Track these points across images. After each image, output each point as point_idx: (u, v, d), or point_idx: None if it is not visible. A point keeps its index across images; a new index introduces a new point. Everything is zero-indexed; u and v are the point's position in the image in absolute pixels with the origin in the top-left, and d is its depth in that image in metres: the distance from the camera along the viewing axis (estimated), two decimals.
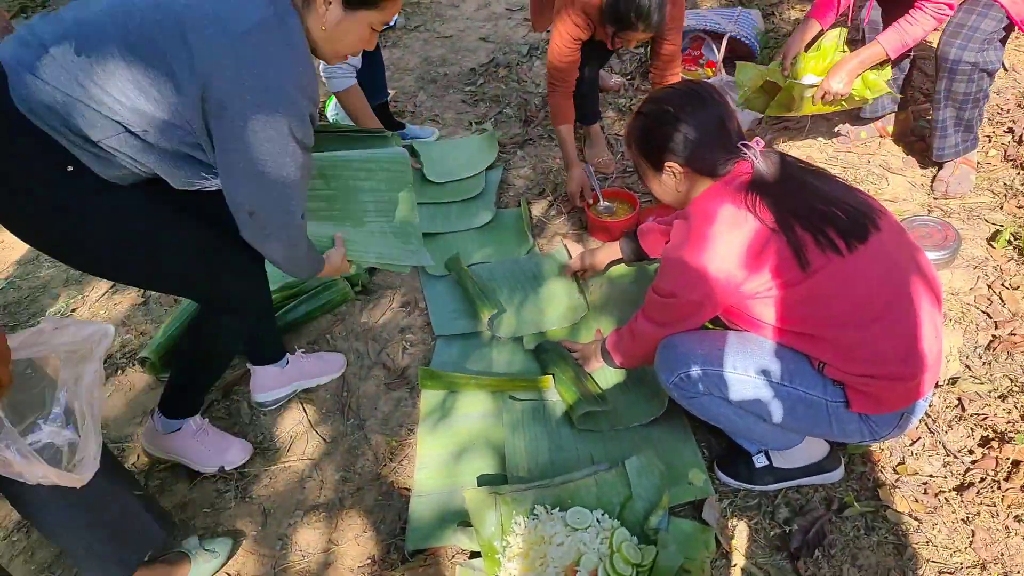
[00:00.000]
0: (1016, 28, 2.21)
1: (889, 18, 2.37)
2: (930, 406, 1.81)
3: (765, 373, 1.48)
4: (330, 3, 1.36)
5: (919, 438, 1.75)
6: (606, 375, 2.00)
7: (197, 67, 1.25)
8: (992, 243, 2.25)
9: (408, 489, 1.78)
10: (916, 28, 2.22)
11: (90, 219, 1.38)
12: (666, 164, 1.52)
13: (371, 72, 2.85)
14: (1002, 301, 2.07)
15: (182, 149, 1.36)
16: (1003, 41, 2.27)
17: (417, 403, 2.01)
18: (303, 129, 1.36)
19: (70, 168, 1.31)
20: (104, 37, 1.26)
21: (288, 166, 1.37)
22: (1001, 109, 2.80)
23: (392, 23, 4.21)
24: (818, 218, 1.38)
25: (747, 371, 1.49)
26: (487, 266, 2.46)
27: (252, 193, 1.38)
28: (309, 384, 2.08)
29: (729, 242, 1.39)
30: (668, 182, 1.56)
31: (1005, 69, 3.03)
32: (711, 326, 1.64)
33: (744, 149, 1.46)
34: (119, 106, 1.27)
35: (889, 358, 1.40)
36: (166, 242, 1.49)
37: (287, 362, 2.03)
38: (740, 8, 3.41)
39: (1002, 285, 2.11)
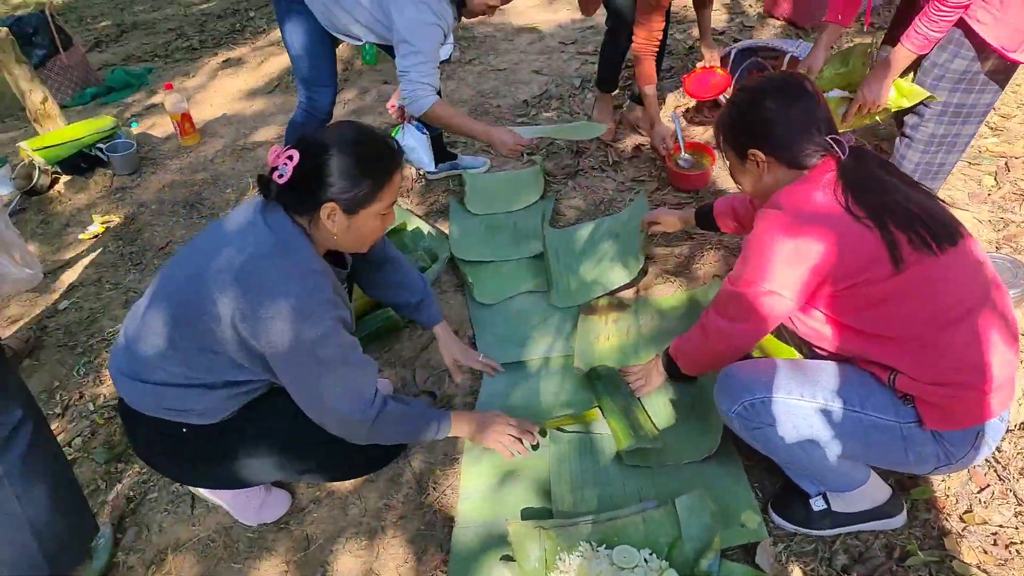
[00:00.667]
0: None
1: (901, 18, 2.29)
2: (999, 452, 1.72)
3: (834, 399, 1.43)
4: (332, 215, 1.44)
5: (988, 485, 1.66)
6: (657, 409, 1.95)
7: (223, 316, 1.41)
8: None
9: (451, 519, 1.76)
10: (935, 25, 2.01)
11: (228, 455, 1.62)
12: (750, 152, 1.51)
13: None
14: None
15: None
16: (997, 78, 2.09)
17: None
18: (336, 337, 1.46)
19: (184, 430, 1.54)
20: (161, 322, 1.48)
21: (331, 382, 1.49)
22: None
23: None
24: (910, 217, 1.35)
25: (815, 398, 1.43)
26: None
27: (318, 412, 1.54)
28: None
29: (817, 235, 1.36)
30: (752, 171, 1.55)
31: None
32: (775, 341, 1.58)
33: (832, 143, 1.44)
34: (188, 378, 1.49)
35: (965, 364, 1.34)
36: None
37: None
38: (800, 40, 3.39)
39: None
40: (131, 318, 1.55)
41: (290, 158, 1.41)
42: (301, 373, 1.46)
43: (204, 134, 3.89)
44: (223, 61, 4.88)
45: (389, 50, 2.57)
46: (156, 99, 4.39)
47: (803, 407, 1.44)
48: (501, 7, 2.46)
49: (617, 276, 2.39)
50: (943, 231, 1.36)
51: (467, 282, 2.50)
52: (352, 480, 1.89)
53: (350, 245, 1.56)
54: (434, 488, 1.85)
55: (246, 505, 1.80)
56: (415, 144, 2.70)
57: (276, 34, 5.24)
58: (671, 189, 2.87)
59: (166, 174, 3.53)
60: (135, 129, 3.97)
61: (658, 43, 2.83)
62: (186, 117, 3.71)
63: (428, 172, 3.17)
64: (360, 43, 2.58)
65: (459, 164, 3.17)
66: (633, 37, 2.82)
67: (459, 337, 2.31)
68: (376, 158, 1.47)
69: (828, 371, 1.46)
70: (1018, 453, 1.72)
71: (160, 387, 1.49)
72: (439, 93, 2.44)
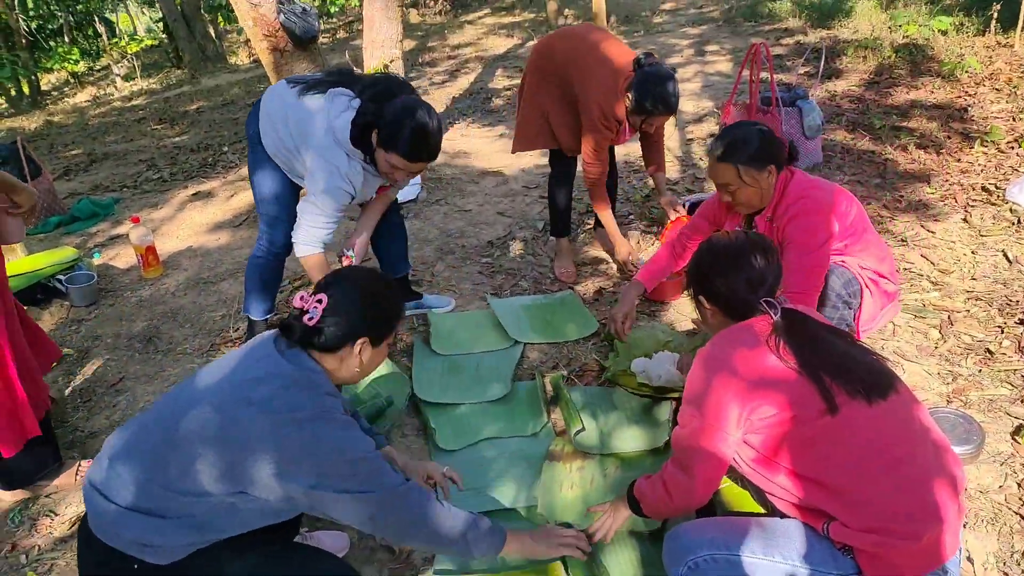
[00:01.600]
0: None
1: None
2: None
3: (772, 553, 1.47)
4: (364, 348, 1.59)
5: None
6: (622, 566, 1.90)
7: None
8: (1016, 438, 2.20)
9: None
10: None
11: None
12: (699, 297, 1.75)
13: (394, 245, 2.98)
14: None
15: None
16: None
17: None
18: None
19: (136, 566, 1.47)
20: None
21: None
22: (1010, 300, 2.84)
23: (414, 196, 4.43)
24: (840, 367, 1.48)
25: (754, 553, 1.47)
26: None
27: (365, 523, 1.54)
28: None
29: (744, 383, 1.49)
30: (703, 313, 1.78)
31: (1010, 261, 3.11)
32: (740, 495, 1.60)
33: (766, 306, 1.60)
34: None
35: (899, 514, 1.39)
36: None
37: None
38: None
39: None
40: (119, 434, 1.56)
41: (320, 301, 1.53)
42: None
43: (168, 266, 3.88)
44: (192, 194, 4.96)
45: None
46: (121, 229, 4.40)
47: (746, 562, 1.48)
48: (407, 175, 2.53)
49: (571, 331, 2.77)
50: (875, 382, 1.48)
51: (429, 427, 2.47)
52: None
53: (357, 377, 1.66)
54: None
55: None
56: None
57: (246, 170, 5.37)
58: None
59: (124, 307, 3.48)
60: (97, 260, 3.95)
61: (606, 171, 3.15)
62: (150, 250, 3.72)
63: None
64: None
65: (423, 303, 3.21)
66: (584, 168, 3.13)
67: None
68: (390, 296, 1.68)
69: (766, 526, 1.52)
70: None
71: (125, 511, 1.45)
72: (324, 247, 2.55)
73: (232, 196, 4.86)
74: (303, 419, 1.43)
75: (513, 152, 3.38)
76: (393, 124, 2.36)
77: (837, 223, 2.30)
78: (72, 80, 10.63)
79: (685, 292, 1.99)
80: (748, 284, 1.65)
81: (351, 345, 1.56)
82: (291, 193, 2.72)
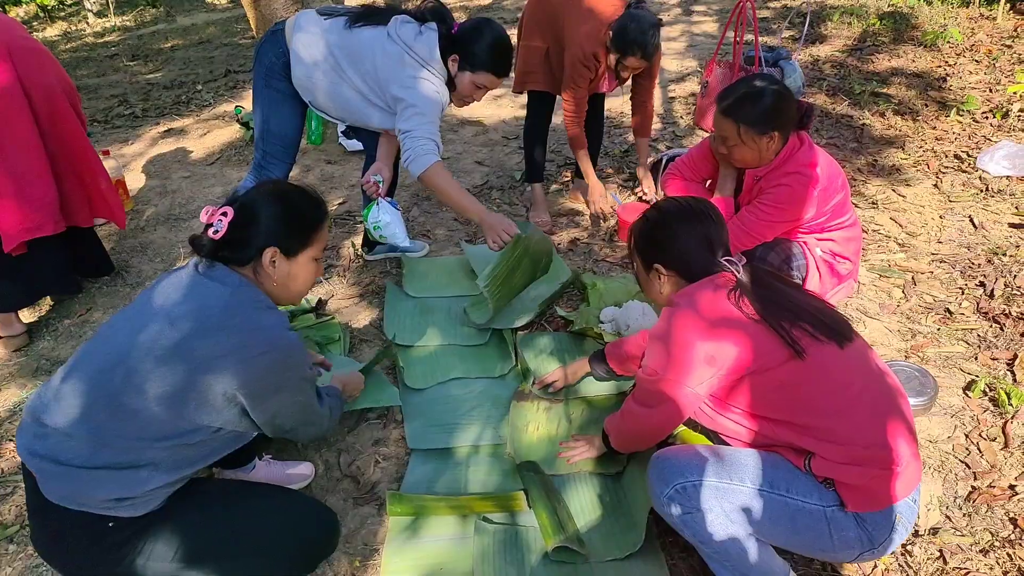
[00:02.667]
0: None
1: None
2: (911, 555, 1.77)
3: (763, 482, 1.49)
4: (274, 261, 1.53)
5: None
6: (583, 504, 1.95)
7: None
8: (968, 393, 2.27)
9: None
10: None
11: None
12: (654, 266, 1.68)
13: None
14: (980, 452, 2.06)
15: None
16: None
17: (385, 521, 1.93)
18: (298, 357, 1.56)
19: (111, 524, 1.43)
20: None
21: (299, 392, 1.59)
22: (972, 264, 2.91)
23: None
24: (805, 315, 1.50)
25: (743, 482, 1.49)
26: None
27: (288, 422, 1.60)
28: None
29: (709, 325, 1.49)
30: (654, 282, 1.71)
31: (975, 226, 3.17)
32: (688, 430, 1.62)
33: (727, 264, 1.59)
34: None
35: (871, 442, 1.44)
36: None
37: (253, 467, 1.99)
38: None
39: (979, 436, 2.12)
40: (50, 392, 1.45)
41: (224, 214, 1.48)
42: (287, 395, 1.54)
43: (138, 201, 3.82)
44: (165, 131, 4.86)
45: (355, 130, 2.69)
46: None
47: (733, 491, 1.49)
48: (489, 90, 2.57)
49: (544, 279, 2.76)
50: (841, 328, 1.52)
51: (398, 365, 2.48)
52: None
53: (288, 295, 1.62)
54: None
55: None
56: (390, 219, 2.70)
57: (222, 108, 5.27)
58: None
59: None
60: None
61: (582, 111, 3.13)
62: (120, 184, 3.65)
63: (366, 255, 3.18)
64: (335, 119, 2.65)
65: (398, 247, 3.20)
66: (563, 107, 3.16)
67: (388, 421, 2.28)
68: (306, 205, 1.61)
69: (754, 457, 1.53)
70: (928, 558, 1.77)
71: (91, 471, 1.38)
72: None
73: (205, 134, 4.77)
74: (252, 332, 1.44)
75: (515, 92, 3.40)
76: (476, 45, 2.40)
77: (815, 208, 2.29)
78: (42, 14, 10.26)
79: (632, 268, 1.92)
80: (707, 243, 1.63)
81: (259, 257, 1.51)
82: (299, 133, 2.68)
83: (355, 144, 4.30)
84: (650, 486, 1.59)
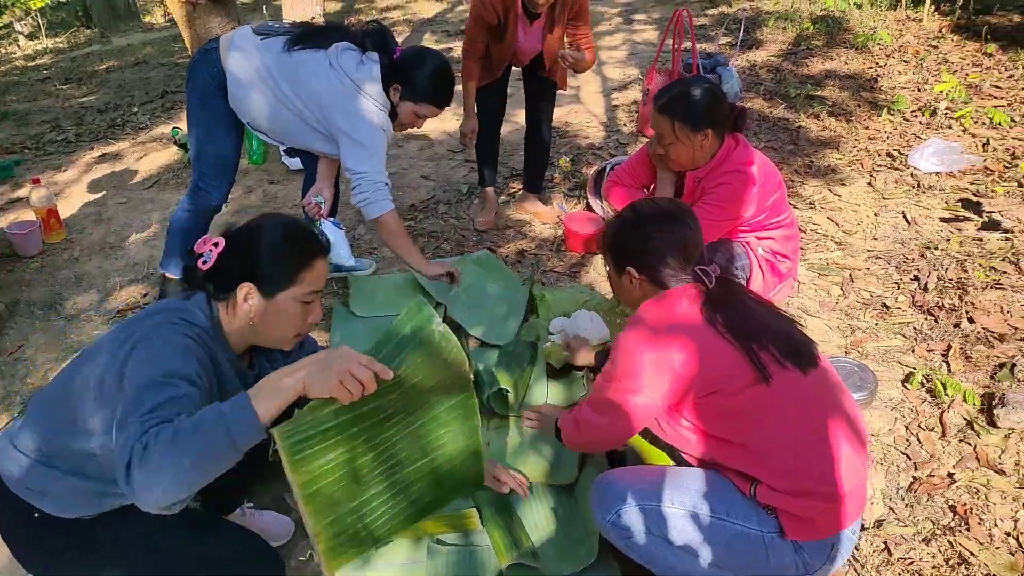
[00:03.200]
0: None
1: None
2: (857, 550, 1.80)
3: (702, 506, 1.48)
4: (249, 296, 1.42)
5: None
6: (537, 518, 1.93)
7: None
8: (906, 385, 2.33)
9: None
10: None
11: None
12: (627, 268, 1.64)
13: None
14: (919, 442, 2.12)
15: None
16: None
17: None
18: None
19: (36, 515, 1.43)
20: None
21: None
22: (907, 259, 2.99)
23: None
24: (771, 337, 1.47)
25: (684, 505, 1.48)
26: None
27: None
28: None
29: (680, 345, 1.45)
30: (625, 284, 1.66)
31: (908, 222, 3.27)
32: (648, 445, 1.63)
33: (700, 273, 1.57)
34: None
35: (822, 476, 1.42)
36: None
37: (226, 512, 1.91)
38: None
39: (918, 427, 2.17)
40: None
41: (216, 244, 1.44)
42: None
43: (72, 230, 3.70)
44: (99, 156, 4.72)
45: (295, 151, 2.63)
46: (22, 192, 4.16)
47: (673, 514, 1.48)
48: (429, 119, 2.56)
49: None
50: (805, 353, 1.49)
51: None
52: None
53: (267, 338, 1.49)
54: None
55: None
56: (333, 239, 2.63)
57: (159, 130, 5.15)
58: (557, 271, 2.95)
59: (24, 272, 3.31)
60: None
61: (477, 50, 3.07)
62: (52, 213, 3.53)
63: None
64: (275, 141, 2.61)
65: (344, 266, 3.16)
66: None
67: None
68: (296, 240, 1.47)
69: (696, 479, 1.52)
70: (873, 551, 1.81)
71: (24, 457, 1.43)
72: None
73: (142, 158, 4.65)
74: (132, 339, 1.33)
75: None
76: (417, 75, 2.39)
77: (755, 206, 2.34)
78: None
79: (604, 267, 1.90)
80: (682, 249, 1.60)
81: (234, 292, 1.43)
82: (238, 153, 2.63)
83: (298, 163, 4.24)
84: (594, 510, 1.59)
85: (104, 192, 4.18)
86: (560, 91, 3.40)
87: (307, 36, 2.43)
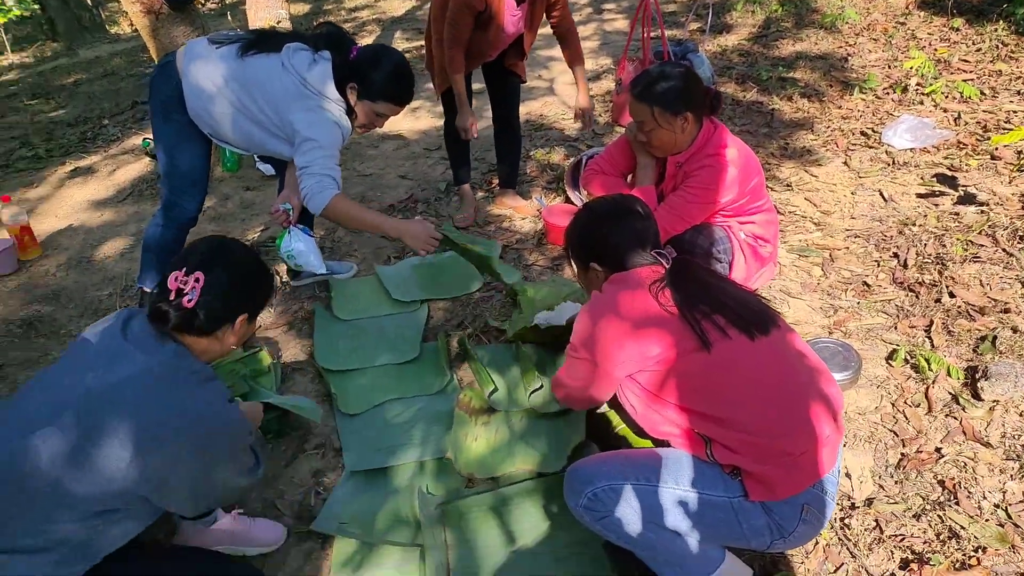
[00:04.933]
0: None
1: None
2: (849, 528, 1.81)
3: (666, 479, 1.53)
4: (243, 324, 1.57)
5: (843, 563, 1.74)
6: (531, 514, 1.94)
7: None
8: (891, 362, 2.35)
9: None
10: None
11: None
12: (591, 264, 1.75)
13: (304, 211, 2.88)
14: (906, 419, 2.13)
15: None
16: None
17: (329, 554, 1.88)
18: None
19: None
20: None
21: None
22: (885, 236, 3.01)
23: None
24: (720, 307, 1.54)
25: (649, 481, 1.53)
26: None
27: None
28: (236, 552, 1.87)
29: (625, 315, 1.55)
30: (592, 278, 1.77)
31: (885, 199, 3.29)
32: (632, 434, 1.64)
33: (657, 256, 1.67)
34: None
35: (775, 432, 1.47)
36: None
37: (214, 520, 1.86)
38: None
39: (904, 403, 2.19)
40: None
41: (197, 280, 1.45)
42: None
43: (47, 247, 3.65)
44: (71, 170, 4.66)
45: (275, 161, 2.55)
46: None
47: (640, 491, 1.52)
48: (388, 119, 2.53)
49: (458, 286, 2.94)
50: (757, 320, 1.55)
51: (331, 392, 2.43)
52: None
53: (227, 353, 1.64)
54: None
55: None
56: (304, 247, 2.61)
57: (130, 142, 5.09)
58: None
59: (1, 291, 3.26)
60: None
61: (460, 39, 2.94)
62: (25, 230, 3.48)
63: (292, 281, 3.11)
64: (240, 150, 2.57)
65: (317, 272, 3.13)
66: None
67: (326, 451, 2.23)
68: (266, 269, 1.64)
69: (660, 454, 1.58)
70: (865, 529, 1.82)
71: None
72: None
73: (115, 171, 4.59)
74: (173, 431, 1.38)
75: (437, 92, 3.27)
76: (374, 74, 2.35)
77: (737, 189, 2.35)
78: None
79: (569, 265, 2.04)
80: (637, 239, 1.71)
81: (231, 323, 1.53)
82: (207, 163, 2.58)
83: (272, 168, 4.21)
84: (566, 498, 1.63)
85: (78, 207, 4.12)
86: (523, 83, 3.38)
87: (259, 41, 2.40)
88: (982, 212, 3.05)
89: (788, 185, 3.53)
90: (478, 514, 1.95)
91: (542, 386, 2.33)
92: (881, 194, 3.34)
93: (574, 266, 1.85)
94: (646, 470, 1.55)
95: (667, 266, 1.65)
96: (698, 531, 1.52)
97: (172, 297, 1.45)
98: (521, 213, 3.59)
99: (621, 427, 2.09)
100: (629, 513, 1.51)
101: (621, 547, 1.61)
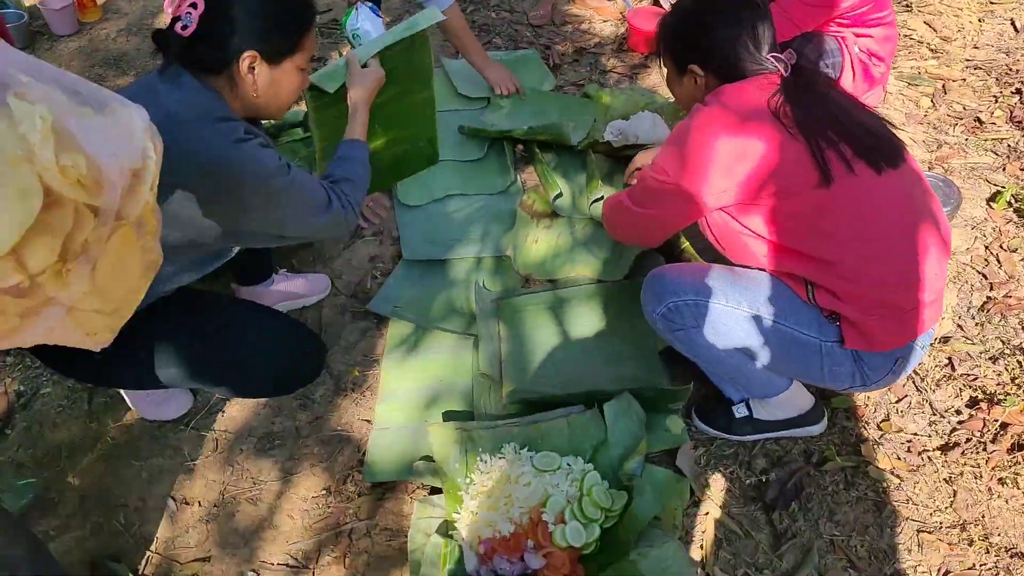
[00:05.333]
0: None
1: None
2: (920, 363, 1.74)
3: (758, 308, 1.39)
4: (254, 68, 1.30)
5: (906, 395, 1.69)
6: (590, 315, 1.91)
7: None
8: (992, 204, 2.17)
9: (369, 421, 1.69)
10: None
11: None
12: (689, 67, 1.44)
13: None
14: (999, 263, 1.99)
15: None
16: None
17: (384, 334, 1.90)
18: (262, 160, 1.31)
19: None
20: None
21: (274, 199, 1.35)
22: (1010, 69, 2.70)
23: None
24: (846, 134, 1.28)
25: (739, 305, 1.39)
26: None
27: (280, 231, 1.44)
28: (294, 305, 1.97)
29: (738, 137, 1.29)
30: (688, 87, 1.47)
31: (1016, 30, 2.92)
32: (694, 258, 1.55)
33: (775, 61, 1.36)
34: None
35: (889, 285, 1.31)
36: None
37: (272, 282, 1.94)
38: None
39: (1000, 247, 2.04)
40: None
41: (193, 6, 1.22)
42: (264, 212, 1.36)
43: (107, 10, 3.52)
44: None
45: None
46: None
47: (728, 312, 1.40)
48: None
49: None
50: (886, 151, 1.31)
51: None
52: None
53: (269, 109, 1.40)
54: (352, 390, 1.77)
55: (145, 398, 1.68)
56: (371, 28, 2.33)
57: None
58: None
59: (61, 53, 3.19)
60: None
61: None
62: None
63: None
64: None
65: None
66: None
67: (384, 237, 2.20)
68: (292, 2, 1.33)
69: (757, 280, 1.42)
70: (936, 366, 1.75)
71: None
72: None
73: None
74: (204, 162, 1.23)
75: None
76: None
77: None
78: None
79: (660, 68, 1.69)
80: (752, 36, 1.38)
81: (236, 62, 1.28)
82: None
83: None
84: (644, 302, 1.51)
85: None
86: None
87: None
88: None
89: (907, 5, 3.14)
90: (534, 311, 1.94)
91: (603, 197, 2.21)
92: (1013, 24, 2.96)
93: (665, 71, 1.56)
94: (736, 293, 1.40)
95: (785, 74, 1.35)
96: (776, 363, 1.43)
97: (170, 25, 1.27)
98: (603, 15, 3.30)
99: (686, 244, 2.00)
100: (709, 331, 1.42)
101: (678, 357, 1.57)
